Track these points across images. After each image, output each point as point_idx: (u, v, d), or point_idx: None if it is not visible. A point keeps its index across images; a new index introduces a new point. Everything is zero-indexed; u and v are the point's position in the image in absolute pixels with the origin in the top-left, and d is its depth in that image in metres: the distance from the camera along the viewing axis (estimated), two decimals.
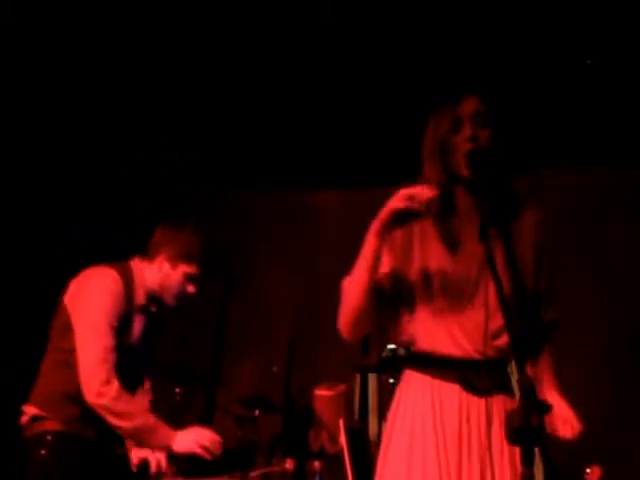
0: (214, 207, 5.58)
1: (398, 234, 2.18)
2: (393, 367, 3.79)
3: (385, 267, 2.19)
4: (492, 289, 1.99)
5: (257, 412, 4.29)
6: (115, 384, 2.99)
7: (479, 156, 2.09)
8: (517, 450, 1.75)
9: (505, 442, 2.06)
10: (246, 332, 5.29)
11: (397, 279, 2.20)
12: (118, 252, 5.12)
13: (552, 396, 2.18)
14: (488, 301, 2.08)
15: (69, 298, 3.17)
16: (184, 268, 3.20)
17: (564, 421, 2.17)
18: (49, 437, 3.08)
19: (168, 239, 3.23)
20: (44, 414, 3.11)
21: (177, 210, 4.82)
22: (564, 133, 4.58)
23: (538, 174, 4.85)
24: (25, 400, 3.21)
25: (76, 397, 3.08)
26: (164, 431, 3.04)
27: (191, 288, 3.23)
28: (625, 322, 4.79)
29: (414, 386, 2.21)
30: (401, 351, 2.34)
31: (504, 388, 2.17)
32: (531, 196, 2.31)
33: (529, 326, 2.15)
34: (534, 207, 2.27)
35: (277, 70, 4.32)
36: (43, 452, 3.06)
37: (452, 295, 2.15)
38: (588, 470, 3.53)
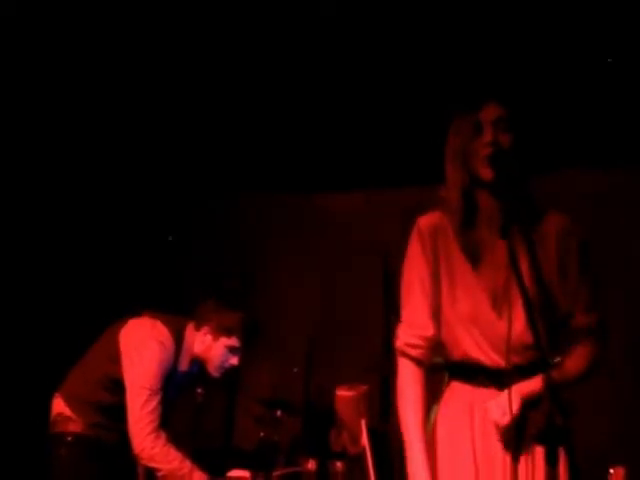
0: (230, 207, 5.59)
1: (428, 250, 2.21)
2: None
3: (426, 288, 2.22)
4: (518, 293, 1.97)
5: (278, 413, 4.31)
6: (160, 437, 3.15)
7: (501, 157, 2.09)
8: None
9: (536, 452, 2.04)
10: (265, 333, 5.29)
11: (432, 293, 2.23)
12: (118, 252, 5.13)
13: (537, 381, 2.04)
14: (513, 307, 2.06)
15: (125, 344, 3.27)
16: (224, 341, 3.37)
17: (497, 405, 2.07)
18: (69, 438, 3.22)
19: (211, 313, 3.40)
20: (69, 412, 3.24)
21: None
22: (598, 133, 4.49)
23: (570, 174, 4.78)
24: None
25: (102, 408, 3.24)
26: (198, 475, 3.18)
27: (234, 360, 3.40)
28: None
29: (456, 396, 2.19)
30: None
31: None
32: (562, 197, 2.28)
33: (553, 327, 2.12)
34: (559, 213, 2.25)
35: (285, 73, 4.31)
36: (62, 452, 3.21)
37: (477, 304, 2.15)
38: (612, 470, 3.51)
